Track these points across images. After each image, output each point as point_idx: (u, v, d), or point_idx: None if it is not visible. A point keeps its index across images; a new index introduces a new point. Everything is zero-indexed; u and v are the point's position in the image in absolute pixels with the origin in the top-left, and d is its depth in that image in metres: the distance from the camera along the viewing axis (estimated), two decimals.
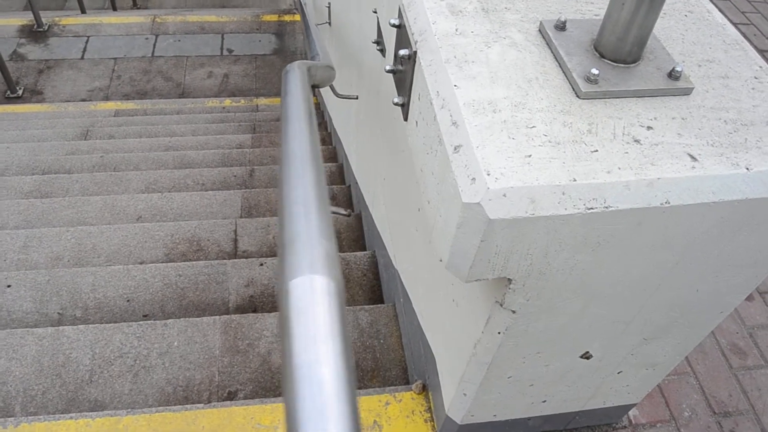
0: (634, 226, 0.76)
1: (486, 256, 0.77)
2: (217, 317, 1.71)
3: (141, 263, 2.15)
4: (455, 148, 0.77)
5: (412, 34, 0.96)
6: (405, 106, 1.04)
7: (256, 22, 6.00)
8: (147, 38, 5.55)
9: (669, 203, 0.74)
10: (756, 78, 0.89)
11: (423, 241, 1.34)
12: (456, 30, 0.92)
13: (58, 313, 1.85)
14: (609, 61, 0.86)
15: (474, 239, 0.74)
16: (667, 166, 0.75)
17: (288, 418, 0.52)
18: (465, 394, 1.16)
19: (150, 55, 5.40)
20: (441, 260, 0.83)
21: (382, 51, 1.53)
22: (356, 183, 2.63)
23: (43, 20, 5.35)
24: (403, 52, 0.98)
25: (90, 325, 1.65)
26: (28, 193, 2.70)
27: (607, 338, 1.03)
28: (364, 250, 2.35)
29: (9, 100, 4.66)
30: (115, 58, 5.28)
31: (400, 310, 1.74)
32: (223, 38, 5.78)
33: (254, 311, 1.96)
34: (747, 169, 0.76)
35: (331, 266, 0.63)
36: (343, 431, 0.50)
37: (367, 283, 2.05)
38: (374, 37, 1.64)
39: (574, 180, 0.72)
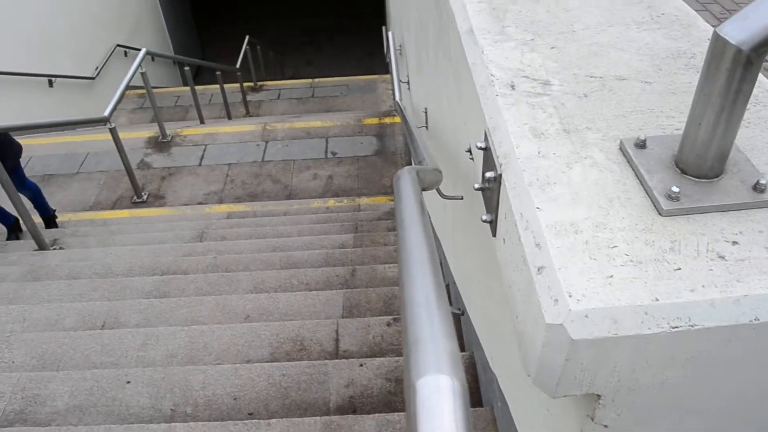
0: (723, 343, 0.76)
1: (572, 374, 0.78)
2: (318, 418, 1.77)
3: (248, 362, 2.26)
4: (539, 270, 0.81)
5: (497, 157, 1.03)
6: (493, 223, 1.10)
7: (358, 126, 6.35)
8: (258, 144, 6.01)
9: (758, 320, 0.73)
10: None
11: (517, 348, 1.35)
12: (538, 152, 0.98)
13: (171, 409, 1.97)
14: (691, 177, 0.88)
15: (559, 358, 0.76)
16: (754, 282, 0.75)
17: None
18: None
19: (260, 160, 5.83)
20: (528, 375, 0.85)
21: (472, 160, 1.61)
22: (454, 282, 2.67)
23: (167, 131, 5.95)
24: (489, 174, 1.04)
25: (199, 423, 1.75)
26: (148, 293, 2.93)
27: None
28: (463, 350, 2.35)
29: (135, 205, 5.15)
30: (229, 164, 5.74)
31: (498, 414, 1.72)
32: (327, 142, 6.15)
33: (354, 412, 2.00)
34: None
35: (455, 366, 0.68)
36: None
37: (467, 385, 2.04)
38: (467, 145, 1.73)
39: (657, 300, 0.74)
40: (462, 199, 2.35)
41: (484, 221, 1.11)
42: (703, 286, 0.75)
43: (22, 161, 4.06)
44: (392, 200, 5.22)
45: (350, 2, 14.19)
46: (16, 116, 5.46)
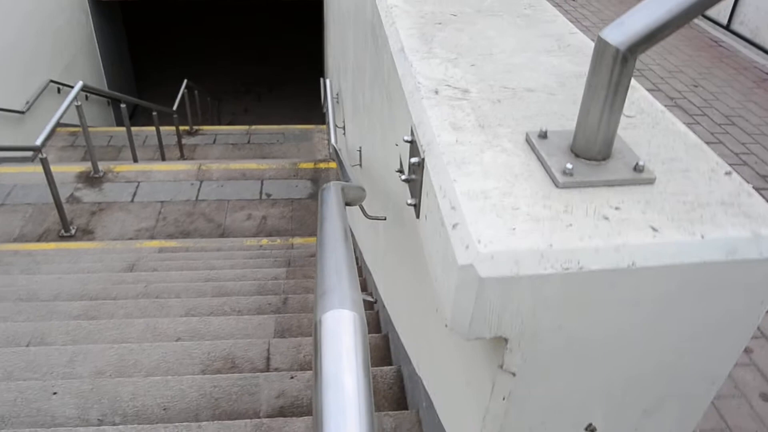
0: (608, 286, 0.90)
1: (482, 314, 0.90)
2: (249, 420, 1.80)
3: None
4: (453, 226, 0.93)
5: (421, 146, 1.16)
6: (417, 206, 1.22)
7: (293, 170, 6.46)
8: (192, 184, 6.01)
9: (635, 265, 0.88)
10: (713, 170, 1.05)
11: (442, 338, 1.46)
12: (456, 140, 1.12)
13: (98, 419, 1.96)
14: (583, 159, 1.04)
15: (470, 297, 0.88)
16: (632, 236, 0.90)
17: (315, 417, 0.65)
18: None
19: (194, 198, 5.83)
20: (446, 325, 0.96)
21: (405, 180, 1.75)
22: (384, 306, 2.77)
23: (100, 167, 5.88)
24: (414, 160, 1.17)
25: (129, 426, 1.75)
26: (77, 317, 2.88)
27: (608, 407, 1.11)
28: (391, 365, 2.43)
29: (62, 239, 5.03)
30: (162, 201, 5.71)
31: (423, 415, 1.81)
32: (262, 184, 6.22)
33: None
34: (702, 237, 0.90)
35: (355, 304, 0.78)
36: (360, 426, 0.62)
37: (393, 395, 2.12)
38: (397, 166, 1.87)
39: (551, 246, 0.87)
40: (385, 219, 2.51)
41: (409, 204, 1.24)
42: (590, 237, 0.89)
43: None
44: None
45: (290, 54, 14.52)
46: None
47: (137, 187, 5.85)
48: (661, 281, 0.91)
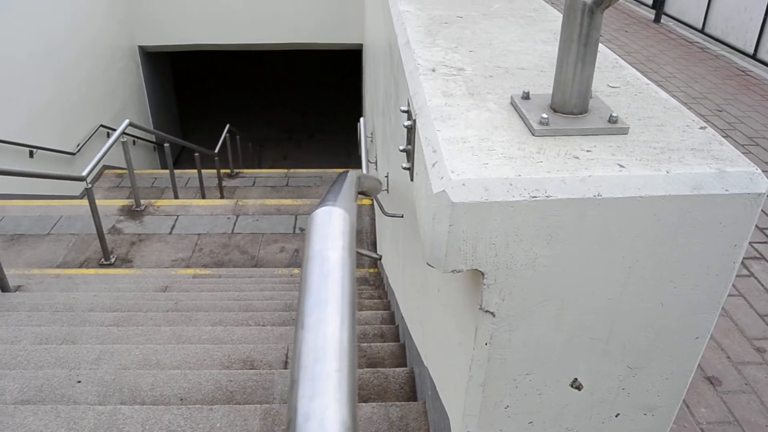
0: (577, 218, 0.94)
1: (456, 243, 0.95)
2: (259, 405, 1.84)
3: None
4: (433, 165, 1.00)
5: (414, 110, 1.24)
6: (411, 169, 1.29)
7: None
8: (228, 218, 6.19)
9: (601, 195, 0.92)
10: (687, 126, 1.10)
11: (439, 305, 1.50)
12: (446, 104, 1.20)
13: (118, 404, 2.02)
14: (560, 114, 1.10)
15: (444, 225, 0.94)
16: (598, 170, 0.95)
17: (301, 286, 0.71)
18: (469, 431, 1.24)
19: (230, 231, 5.99)
20: (426, 262, 1.02)
21: None
22: (402, 319, 2.80)
23: (142, 202, 6.12)
24: (407, 123, 1.25)
25: (144, 406, 1.82)
26: (108, 325, 2.99)
27: (591, 361, 1.13)
28: (404, 366, 2.45)
29: (102, 266, 5.21)
30: (199, 234, 5.89)
31: (429, 407, 1.82)
32: (296, 219, 6.35)
33: None
34: (667, 172, 0.95)
35: (346, 206, 0.85)
36: (341, 303, 0.68)
37: (404, 395, 2.13)
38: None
39: (520, 175, 0.93)
40: (402, 216, 2.59)
41: (404, 168, 1.31)
42: (558, 170, 0.95)
43: None
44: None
45: (330, 101, 14.94)
46: None
47: (176, 221, 6.05)
48: (629, 216, 0.95)
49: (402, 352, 2.59)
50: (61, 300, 3.52)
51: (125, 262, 5.39)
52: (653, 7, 7.61)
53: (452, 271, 0.98)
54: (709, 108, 5.63)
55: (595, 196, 0.93)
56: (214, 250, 5.75)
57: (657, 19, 7.52)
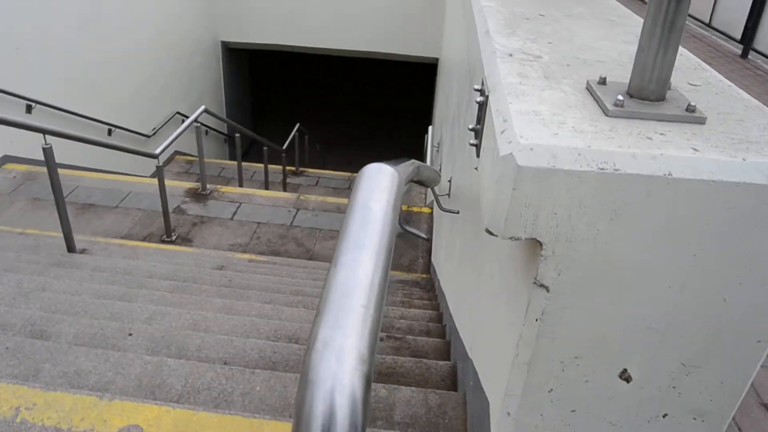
0: (644, 196, 0.93)
1: (518, 209, 0.95)
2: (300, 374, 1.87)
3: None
4: (502, 132, 1.01)
5: (487, 87, 1.25)
6: (478, 146, 1.30)
7: None
8: (289, 210, 6.31)
9: (671, 175, 0.91)
10: None
11: (495, 297, 1.49)
12: (520, 83, 1.20)
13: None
14: (637, 99, 1.09)
15: (508, 189, 0.94)
16: (670, 150, 0.93)
17: (341, 233, 0.74)
18: (509, 414, 1.23)
19: (289, 224, 6.10)
20: (486, 227, 1.02)
21: None
22: (451, 317, 2.79)
23: (207, 186, 6.32)
24: (479, 99, 1.26)
25: (189, 361, 1.87)
26: (163, 290, 3.10)
27: (644, 352, 1.11)
28: (448, 360, 2.44)
29: (163, 242, 5.40)
30: (258, 222, 6.02)
31: (470, 397, 1.81)
32: None
33: None
34: (744, 159, 0.92)
35: (396, 168, 0.87)
36: (377, 250, 0.70)
37: (444, 387, 2.12)
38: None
39: (590, 146, 0.93)
40: (458, 212, 2.61)
41: (471, 144, 1.32)
42: (629, 147, 0.94)
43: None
44: (408, 273, 5.38)
45: (401, 111, 15.08)
46: (74, 153, 5.92)
47: (238, 207, 6.21)
48: (699, 200, 0.93)
49: (446, 348, 2.58)
50: (121, 265, 3.67)
51: (185, 241, 5.57)
52: (741, 42, 7.35)
53: (510, 238, 0.99)
54: None
55: (665, 174, 0.91)
56: (272, 240, 5.86)
57: (744, 55, 7.26)
